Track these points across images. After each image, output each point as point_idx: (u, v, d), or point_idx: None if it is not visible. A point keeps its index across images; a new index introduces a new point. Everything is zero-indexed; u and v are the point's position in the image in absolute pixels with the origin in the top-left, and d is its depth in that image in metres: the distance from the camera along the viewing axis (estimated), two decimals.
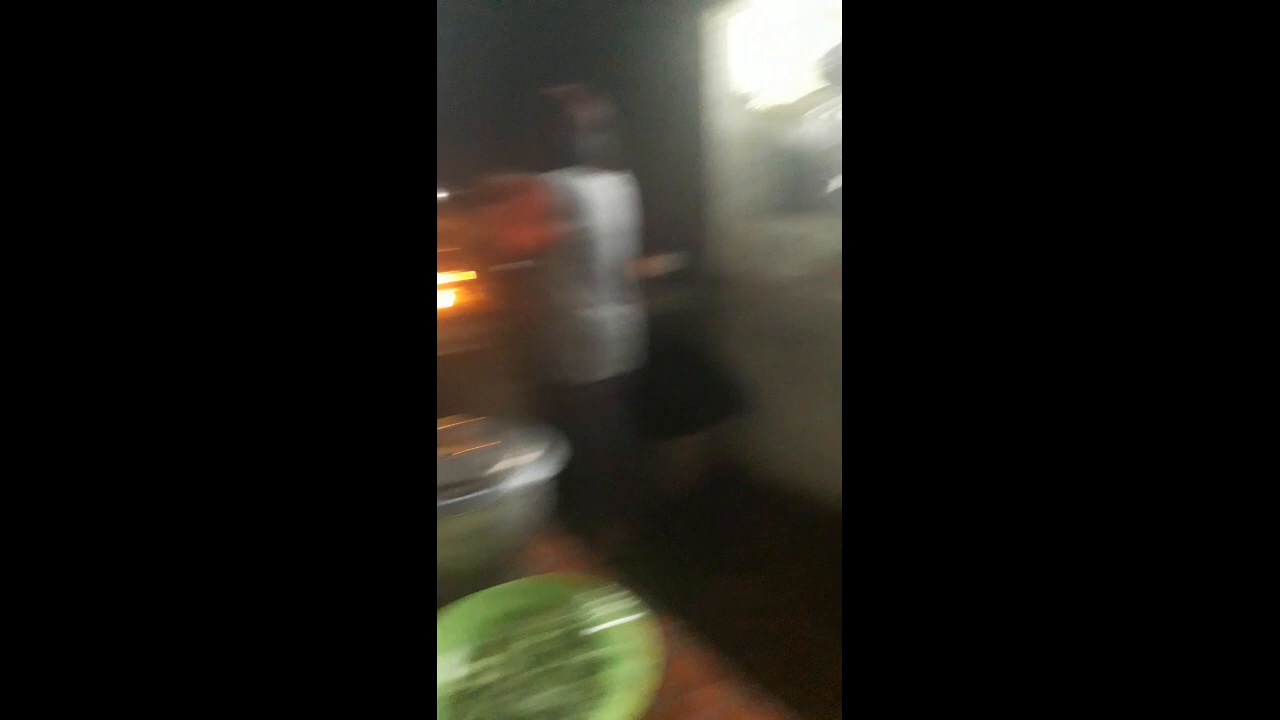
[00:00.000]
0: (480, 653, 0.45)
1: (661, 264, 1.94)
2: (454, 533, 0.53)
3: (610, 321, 1.45)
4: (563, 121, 1.35)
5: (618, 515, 1.48)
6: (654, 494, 1.78)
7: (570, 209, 1.32)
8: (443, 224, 1.49)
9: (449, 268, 1.65)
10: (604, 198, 1.40)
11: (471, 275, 1.67)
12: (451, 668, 0.45)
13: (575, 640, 0.45)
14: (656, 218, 1.58)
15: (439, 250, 1.57)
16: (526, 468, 0.57)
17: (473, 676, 0.43)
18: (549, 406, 1.42)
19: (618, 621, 0.47)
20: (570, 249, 1.34)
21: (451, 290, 1.64)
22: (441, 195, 1.55)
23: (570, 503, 0.70)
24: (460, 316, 1.53)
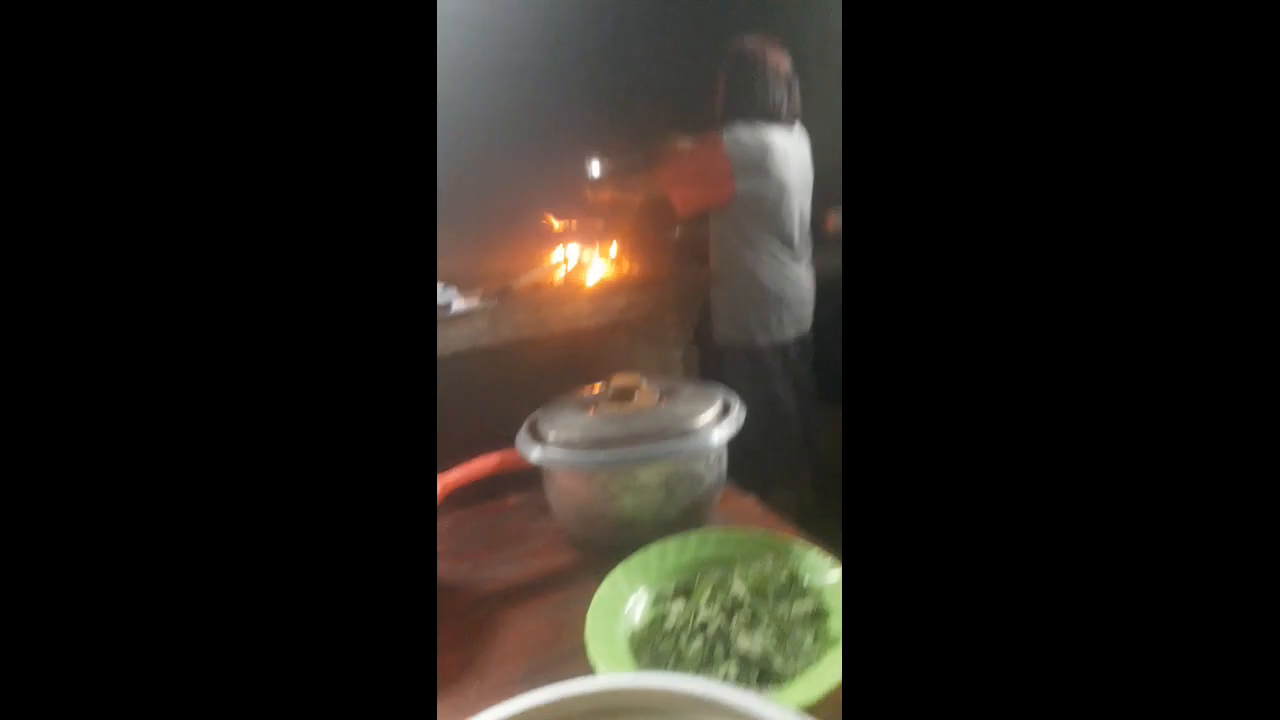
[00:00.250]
0: (668, 597, 0.47)
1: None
2: (644, 481, 0.55)
3: (797, 280, 1.41)
4: (754, 71, 1.32)
5: (798, 476, 1.46)
6: (833, 456, 1.73)
7: (754, 164, 1.29)
8: (614, 191, 1.54)
9: (625, 231, 1.69)
10: (793, 151, 1.36)
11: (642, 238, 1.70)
12: (638, 609, 0.47)
13: (767, 591, 0.45)
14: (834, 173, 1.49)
15: (609, 215, 1.62)
16: (714, 424, 0.57)
17: (657, 620, 0.45)
18: (731, 368, 1.42)
19: (821, 577, 0.46)
20: (754, 205, 1.32)
21: (626, 255, 1.69)
22: (610, 162, 1.59)
23: (751, 462, 0.69)
24: (634, 283, 1.57)
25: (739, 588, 0.45)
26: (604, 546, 0.55)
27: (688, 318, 1.59)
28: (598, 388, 0.66)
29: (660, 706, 0.27)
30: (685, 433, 0.56)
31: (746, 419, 0.59)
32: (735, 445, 0.61)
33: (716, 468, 0.59)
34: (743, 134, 1.30)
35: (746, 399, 0.62)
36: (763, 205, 1.33)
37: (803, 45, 1.44)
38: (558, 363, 1.36)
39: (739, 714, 0.25)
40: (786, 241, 1.37)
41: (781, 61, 1.33)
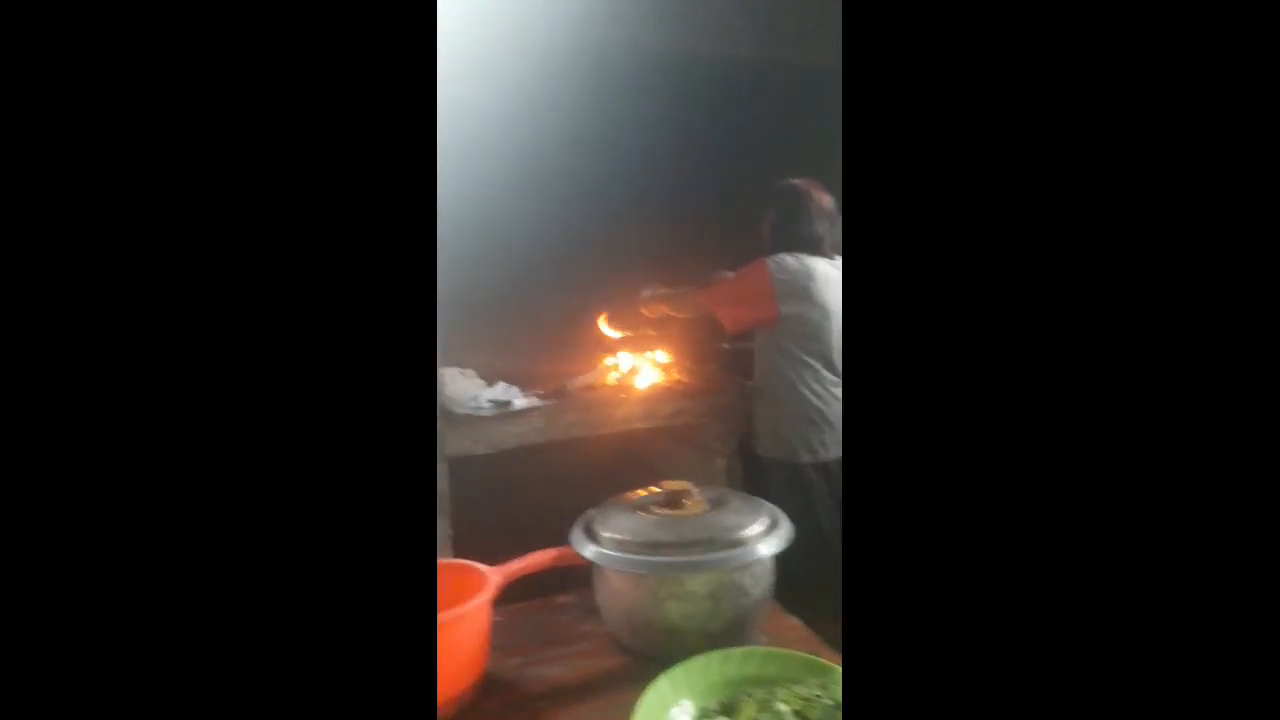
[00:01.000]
0: (712, 711, 0.47)
1: None
2: (691, 589, 0.57)
3: (838, 403, 1.45)
4: (800, 207, 1.45)
5: (838, 601, 1.41)
6: None
7: (799, 289, 1.38)
8: (665, 306, 1.64)
9: (674, 343, 1.79)
10: (834, 279, 1.44)
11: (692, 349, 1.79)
12: None
13: (811, 717, 0.45)
14: None
15: (660, 328, 1.72)
16: (762, 536, 0.60)
17: None
18: (773, 482, 1.43)
19: None
20: (798, 327, 1.39)
21: (673, 365, 1.77)
22: (662, 279, 1.70)
23: (794, 583, 0.70)
24: (682, 391, 1.63)
25: (783, 709, 0.45)
26: (649, 654, 0.56)
27: (732, 428, 1.62)
28: (648, 491, 0.70)
29: None
30: (733, 543, 0.58)
31: (795, 537, 0.61)
32: (780, 566, 0.62)
33: (763, 582, 0.60)
34: (788, 261, 1.40)
35: (788, 515, 0.64)
36: (806, 328, 1.39)
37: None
38: (606, 462, 1.40)
39: None
40: (829, 363, 1.42)
41: (825, 198, 1.46)
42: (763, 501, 0.67)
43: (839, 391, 1.44)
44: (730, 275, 1.52)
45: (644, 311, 1.70)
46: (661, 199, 1.87)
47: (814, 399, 1.41)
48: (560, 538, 0.63)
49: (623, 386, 1.68)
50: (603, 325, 1.75)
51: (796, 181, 1.49)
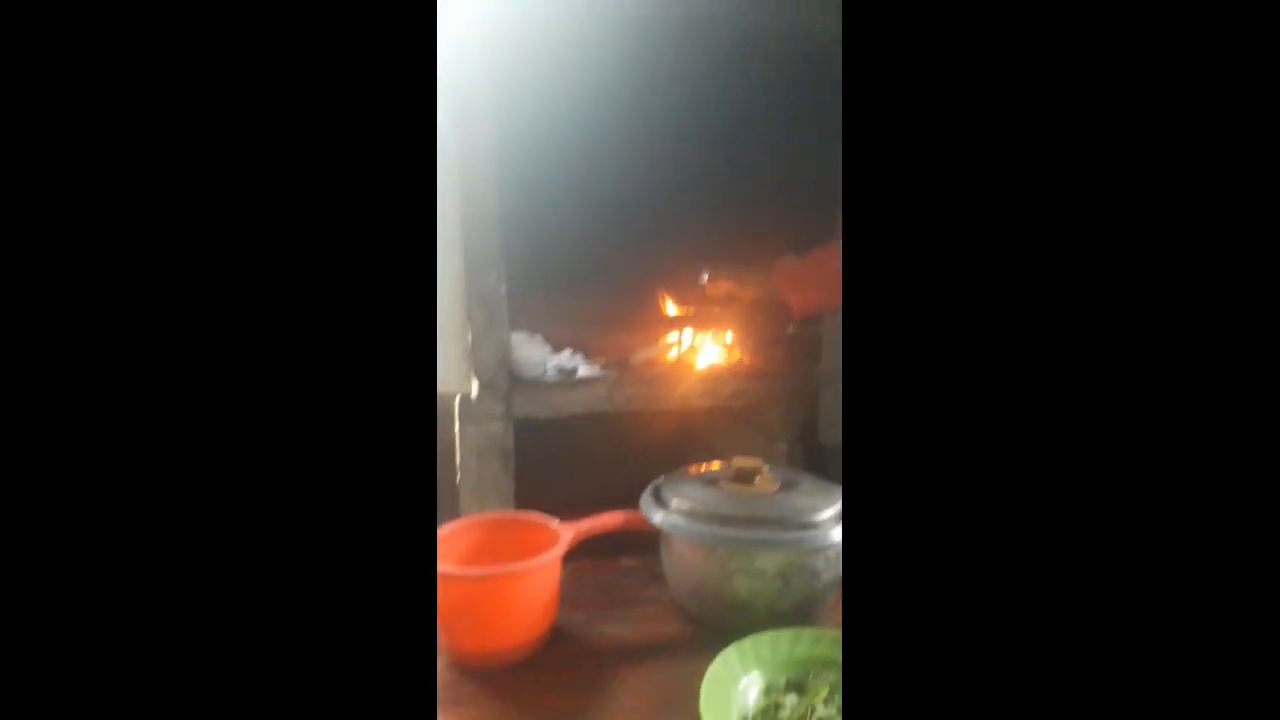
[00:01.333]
0: (780, 688, 0.47)
1: None
2: (761, 566, 0.56)
3: None
4: None
5: None
6: None
7: None
8: (730, 285, 1.62)
9: (739, 322, 1.76)
10: None
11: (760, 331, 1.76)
12: (749, 694, 0.47)
13: None
14: None
15: (723, 305, 1.70)
16: (834, 521, 0.58)
17: (769, 708, 0.45)
18: (836, 469, 1.41)
19: None
20: None
21: (736, 344, 1.75)
22: (728, 258, 1.68)
23: None
24: (743, 372, 1.61)
25: (821, 692, 0.44)
26: (715, 624, 0.57)
27: (794, 413, 1.59)
28: (718, 465, 0.69)
29: None
30: (806, 525, 0.57)
31: None
32: None
33: (834, 566, 0.59)
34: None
35: None
36: None
37: None
38: (666, 437, 1.40)
39: None
40: None
41: None
42: (834, 485, 0.66)
43: None
44: (798, 257, 1.48)
45: (707, 290, 1.68)
46: (731, 176, 1.83)
47: None
48: (621, 504, 0.64)
49: (683, 363, 1.67)
50: (667, 305, 1.74)
51: None
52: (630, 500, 0.64)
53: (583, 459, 1.31)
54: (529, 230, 1.54)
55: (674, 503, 0.61)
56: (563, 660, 0.53)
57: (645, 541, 0.66)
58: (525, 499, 1.36)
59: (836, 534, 0.57)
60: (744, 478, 0.65)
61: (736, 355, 1.75)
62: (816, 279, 1.41)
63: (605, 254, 1.74)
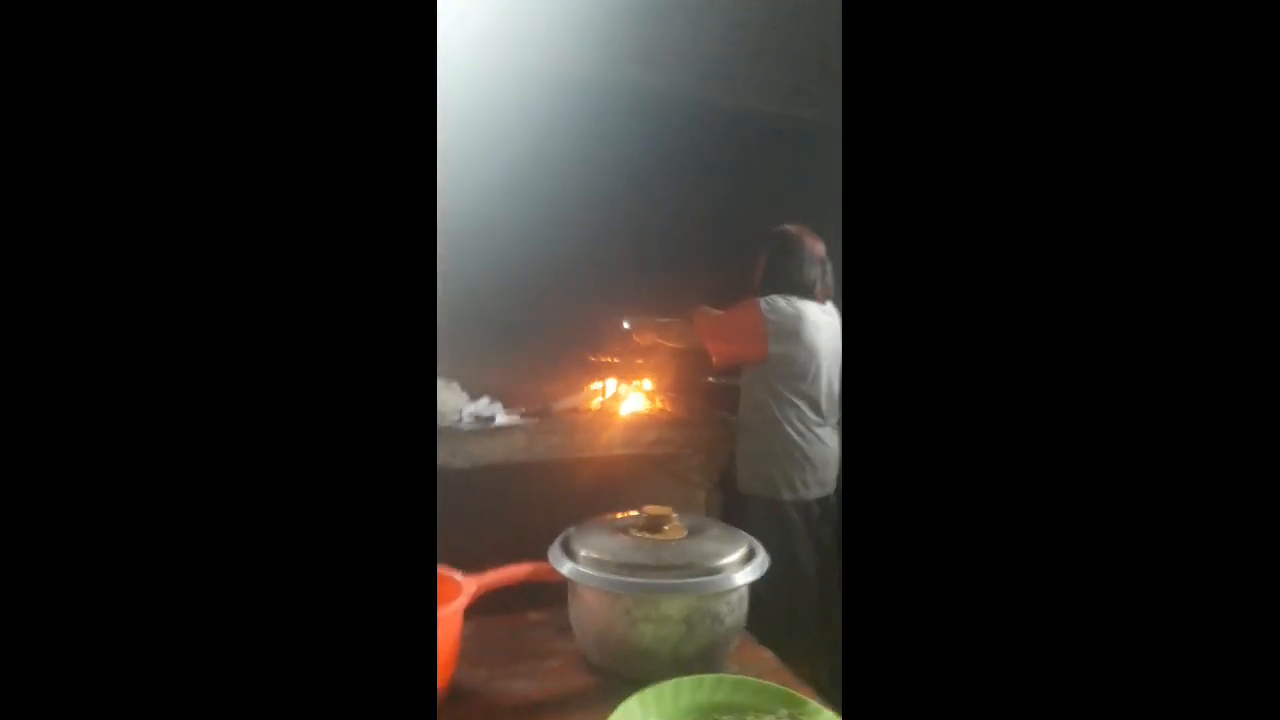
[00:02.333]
0: None
1: None
2: (666, 612, 0.57)
3: (823, 442, 1.46)
4: (792, 251, 1.49)
5: (813, 644, 1.39)
6: None
7: (789, 330, 1.41)
8: (654, 334, 1.67)
9: (659, 372, 1.80)
10: (825, 324, 1.47)
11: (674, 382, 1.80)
12: None
13: None
14: None
15: (647, 356, 1.74)
16: (738, 565, 0.60)
17: None
18: (753, 519, 1.43)
19: None
20: (786, 368, 1.41)
21: (656, 393, 1.78)
22: (652, 309, 1.73)
23: (768, 621, 0.70)
24: (665, 420, 1.64)
25: None
26: (620, 674, 0.56)
27: (714, 461, 1.63)
28: (629, 514, 0.70)
29: None
30: (710, 570, 0.58)
31: (767, 578, 0.62)
32: (754, 599, 0.63)
33: (737, 611, 0.60)
34: (779, 302, 1.43)
35: (767, 551, 0.65)
36: (794, 368, 1.42)
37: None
38: (586, 485, 1.39)
39: None
40: (814, 404, 1.44)
41: (817, 245, 1.51)
42: (741, 532, 0.68)
43: (822, 433, 1.46)
44: (718, 312, 1.55)
45: (635, 337, 1.72)
46: (655, 234, 1.91)
47: (798, 438, 1.42)
48: (536, 555, 0.63)
49: (605, 411, 1.68)
50: (626, 325, 1.73)
51: (790, 227, 1.53)
52: (546, 551, 0.63)
53: (500, 509, 1.27)
54: (449, 276, 1.53)
55: (582, 553, 0.61)
56: (461, 718, 0.51)
57: (554, 594, 0.65)
58: (437, 550, 1.30)
59: (740, 578, 0.59)
60: (653, 525, 0.66)
61: (658, 404, 1.78)
62: (736, 332, 1.48)
63: (528, 303, 1.76)
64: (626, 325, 1.72)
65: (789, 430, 1.42)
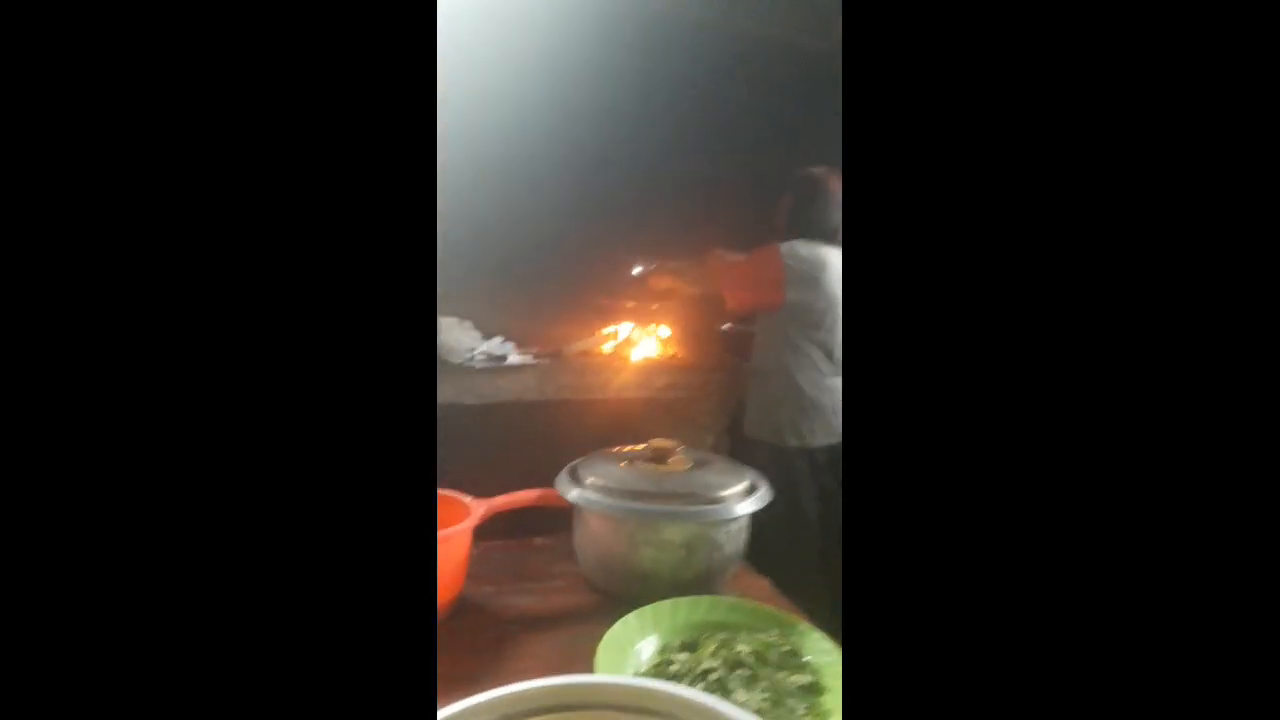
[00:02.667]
0: (674, 648, 0.49)
1: None
2: (667, 537, 0.58)
3: (833, 391, 1.46)
4: (818, 195, 1.44)
5: (810, 586, 1.43)
6: None
7: (809, 277, 1.38)
8: (670, 279, 1.64)
9: (676, 316, 1.79)
10: (833, 269, 1.44)
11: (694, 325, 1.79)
12: (644, 653, 0.49)
13: (769, 658, 0.47)
14: None
15: (664, 299, 1.73)
16: (740, 497, 0.61)
17: (663, 664, 0.47)
18: (758, 464, 1.45)
19: (820, 657, 0.48)
20: (803, 315, 1.39)
21: (671, 340, 1.78)
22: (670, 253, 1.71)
23: (767, 552, 0.72)
24: (677, 365, 1.64)
25: (743, 649, 0.47)
26: (620, 595, 0.58)
27: (724, 406, 1.64)
28: (638, 448, 0.71)
29: (666, 710, 0.30)
30: (712, 500, 0.60)
31: (768, 518, 0.63)
32: (754, 538, 0.64)
33: (736, 540, 0.62)
34: (801, 248, 1.39)
35: (774, 493, 0.66)
36: (810, 316, 1.40)
37: None
38: (595, 426, 1.42)
39: None
40: (828, 353, 1.43)
41: (840, 187, 1.45)
42: (745, 466, 0.69)
43: (834, 383, 1.46)
44: (737, 256, 1.52)
45: (650, 281, 1.69)
46: (674, 174, 1.86)
47: (808, 387, 1.42)
48: (544, 487, 0.65)
49: (618, 355, 1.69)
50: (636, 270, 1.69)
51: (815, 170, 1.47)
52: (553, 482, 0.65)
53: (509, 446, 1.30)
54: (466, 217, 1.52)
55: (588, 480, 0.63)
56: (466, 628, 0.54)
57: (560, 522, 0.67)
58: (446, 483, 1.34)
59: (741, 508, 0.60)
60: (658, 457, 0.68)
61: (671, 350, 1.79)
62: (754, 278, 1.46)
63: (543, 245, 1.74)
64: (637, 270, 1.69)
65: (799, 379, 1.41)
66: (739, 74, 1.89)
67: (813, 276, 1.38)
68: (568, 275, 1.77)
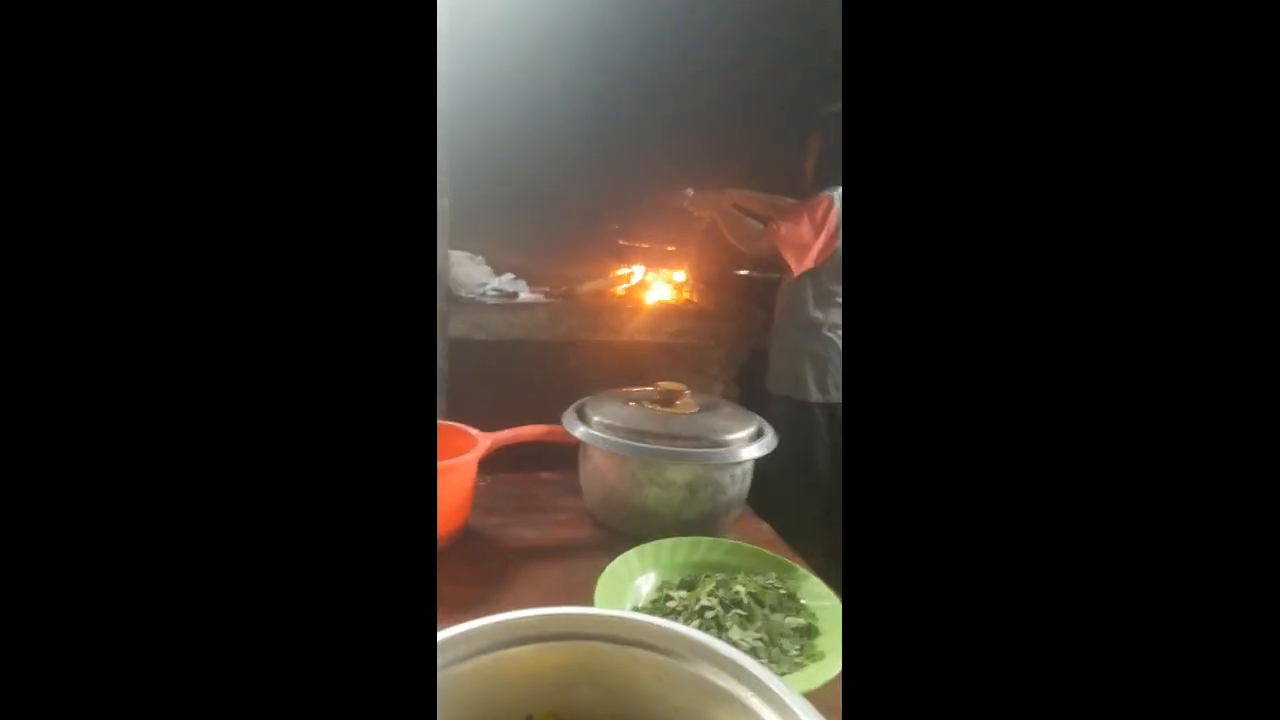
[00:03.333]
0: (673, 585, 0.50)
1: None
2: (671, 478, 0.59)
3: None
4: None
5: (816, 537, 1.45)
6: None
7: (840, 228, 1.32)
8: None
9: (693, 260, 1.74)
10: None
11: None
12: (643, 588, 0.50)
13: (765, 599, 0.48)
14: None
15: (677, 240, 1.68)
16: (745, 442, 0.61)
17: (660, 600, 0.48)
18: (776, 417, 1.44)
19: (816, 601, 0.49)
20: (837, 268, 1.34)
21: (686, 284, 1.75)
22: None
23: (772, 499, 0.72)
24: (690, 310, 1.61)
25: (740, 589, 0.48)
26: (623, 531, 0.59)
27: (735, 355, 1.63)
28: (645, 389, 0.71)
29: (660, 645, 0.30)
30: (717, 443, 0.60)
31: (780, 471, 0.63)
32: (761, 485, 0.64)
33: (740, 484, 0.62)
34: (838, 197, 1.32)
35: (783, 448, 0.65)
36: (832, 270, 1.35)
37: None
38: (603, 368, 1.41)
39: (728, 662, 0.28)
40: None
41: None
42: (752, 413, 0.68)
43: None
44: (792, 202, 1.41)
45: (688, 206, 1.52)
46: (695, 113, 1.78)
47: (836, 339, 1.39)
48: (551, 423, 0.65)
49: (630, 298, 1.67)
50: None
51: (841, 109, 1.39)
52: (560, 418, 0.65)
53: (518, 383, 1.31)
54: (481, 152, 1.47)
55: (595, 418, 0.63)
56: (470, 556, 0.55)
57: (566, 458, 0.68)
58: (454, 416, 1.35)
59: (746, 452, 0.60)
60: (666, 399, 0.67)
61: (685, 294, 1.76)
62: (813, 229, 1.31)
63: (559, 182, 1.70)
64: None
65: (828, 333, 1.38)
66: (777, 5, 1.78)
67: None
68: (583, 214, 1.73)
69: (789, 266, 1.35)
